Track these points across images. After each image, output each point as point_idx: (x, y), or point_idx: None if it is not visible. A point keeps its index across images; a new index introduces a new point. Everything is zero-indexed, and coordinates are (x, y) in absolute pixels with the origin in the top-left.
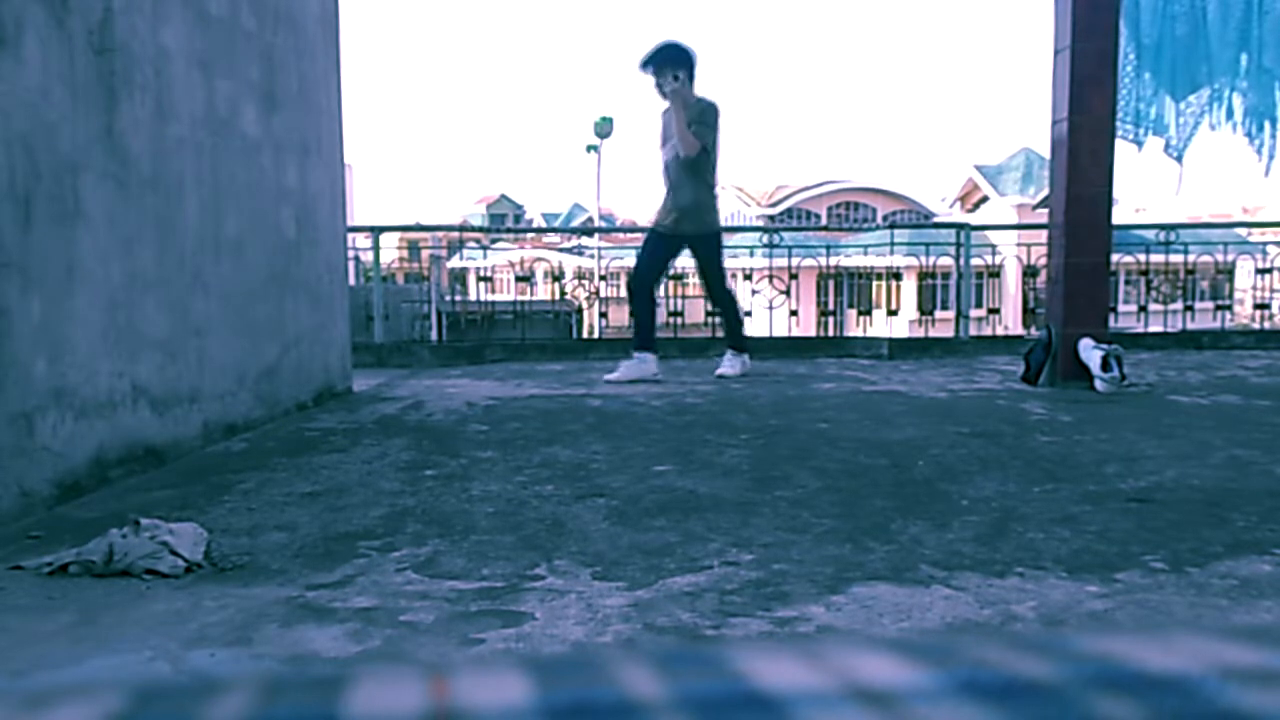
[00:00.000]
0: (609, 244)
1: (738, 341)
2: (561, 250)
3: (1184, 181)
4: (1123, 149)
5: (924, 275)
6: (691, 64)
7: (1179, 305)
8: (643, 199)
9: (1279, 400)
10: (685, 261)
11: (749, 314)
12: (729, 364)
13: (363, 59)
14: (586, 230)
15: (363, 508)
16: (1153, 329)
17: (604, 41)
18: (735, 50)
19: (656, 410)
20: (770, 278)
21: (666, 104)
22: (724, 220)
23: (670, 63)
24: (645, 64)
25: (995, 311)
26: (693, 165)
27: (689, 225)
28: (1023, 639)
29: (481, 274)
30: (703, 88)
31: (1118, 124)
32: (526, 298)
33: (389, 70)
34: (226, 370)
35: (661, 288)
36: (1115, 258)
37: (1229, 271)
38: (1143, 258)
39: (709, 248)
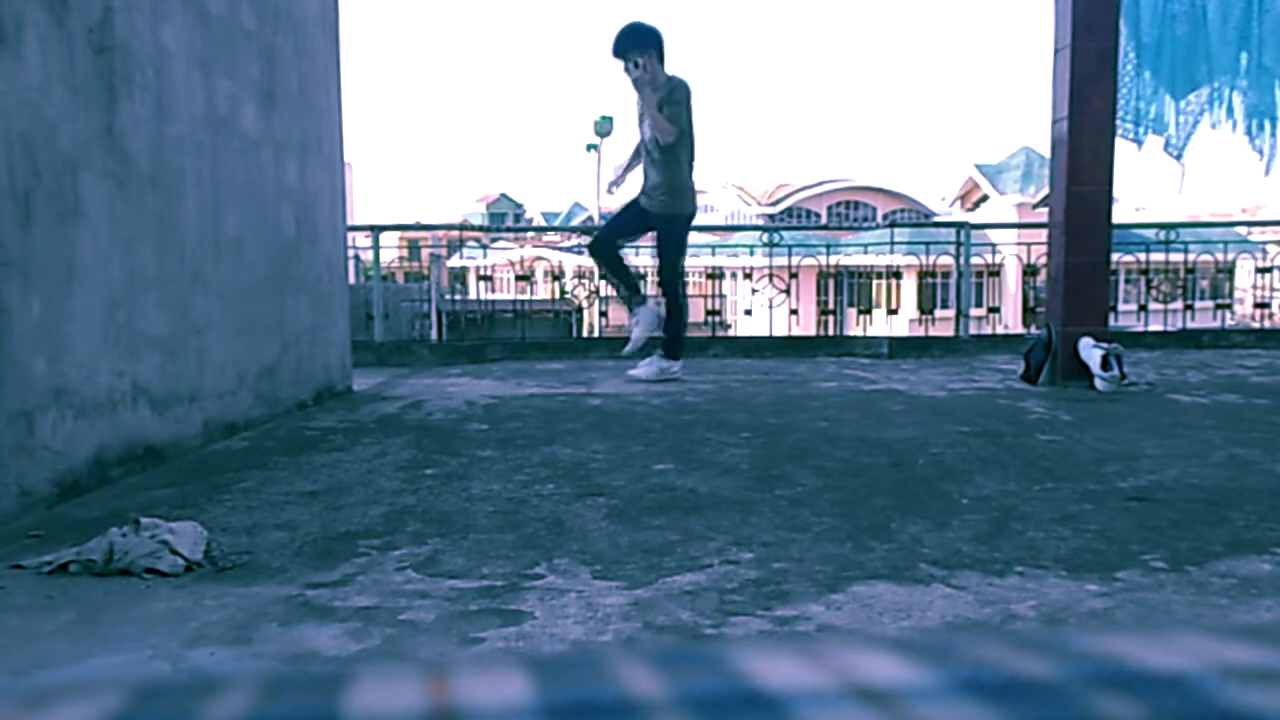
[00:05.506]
0: None
1: (671, 346)
2: (561, 249)
3: (1186, 180)
4: (1123, 148)
5: (924, 274)
6: (658, 44)
7: (1179, 304)
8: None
9: (1279, 399)
10: (689, 261)
11: (749, 313)
12: (645, 365)
13: (363, 59)
14: (586, 229)
15: (363, 507)
16: (1153, 328)
17: (604, 41)
18: (736, 49)
19: (656, 409)
20: (770, 277)
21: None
22: (723, 219)
23: (635, 46)
24: (616, 52)
25: (995, 310)
26: (668, 145)
27: (657, 205)
28: (1023, 638)
29: (481, 273)
30: (681, 73)
31: (1118, 123)
32: (526, 296)
33: (389, 70)
34: (226, 369)
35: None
36: (1115, 257)
37: (1229, 270)
38: (1143, 257)
39: (672, 230)
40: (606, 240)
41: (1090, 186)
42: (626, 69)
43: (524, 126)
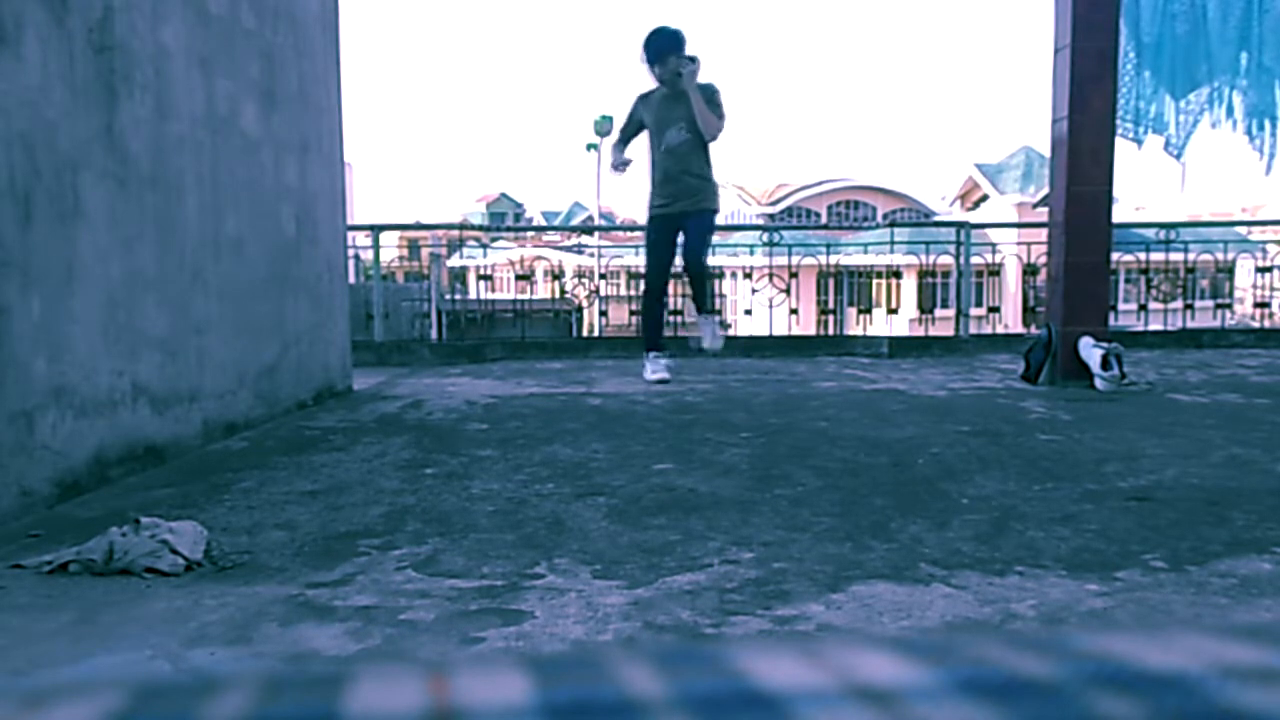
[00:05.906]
0: (609, 242)
1: (712, 305)
2: (561, 249)
3: (1188, 179)
4: (1123, 147)
5: (924, 274)
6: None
7: (1179, 304)
8: (643, 197)
9: (1279, 399)
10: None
11: (749, 312)
12: (711, 338)
13: (363, 59)
14: (586, 229)
15: (363, 506)
16: (1153, 327)
17: (604, 41)
18: (736, 48)
19: (656, 409)
20: (770, 276)
21: (655, 89)
22: (723, 219)
23: (676, 48)
24: (655, 56)
25: (995, 310)
26: (706, 145)
27: (700, 202)
28: (1023, 637)
29: (481, 272)
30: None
31: (1118, 122)
32: (526, 296)
33: (389, 70)
34: (226, 369)
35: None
36: (1115, 256)
37: (1229, 270)
38: (1143, 256)
39: (710, 223)
40: (664, 285)
41: (1090, 186)
42: (668, 69)
43: (524, 126)
